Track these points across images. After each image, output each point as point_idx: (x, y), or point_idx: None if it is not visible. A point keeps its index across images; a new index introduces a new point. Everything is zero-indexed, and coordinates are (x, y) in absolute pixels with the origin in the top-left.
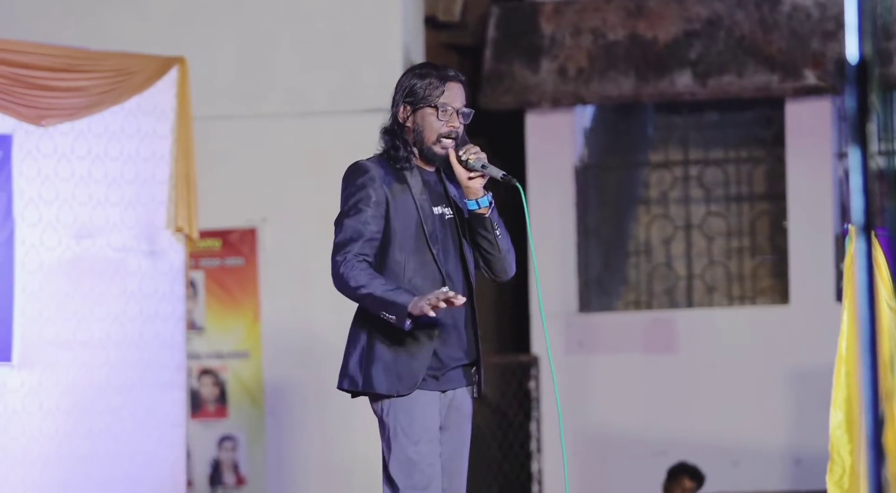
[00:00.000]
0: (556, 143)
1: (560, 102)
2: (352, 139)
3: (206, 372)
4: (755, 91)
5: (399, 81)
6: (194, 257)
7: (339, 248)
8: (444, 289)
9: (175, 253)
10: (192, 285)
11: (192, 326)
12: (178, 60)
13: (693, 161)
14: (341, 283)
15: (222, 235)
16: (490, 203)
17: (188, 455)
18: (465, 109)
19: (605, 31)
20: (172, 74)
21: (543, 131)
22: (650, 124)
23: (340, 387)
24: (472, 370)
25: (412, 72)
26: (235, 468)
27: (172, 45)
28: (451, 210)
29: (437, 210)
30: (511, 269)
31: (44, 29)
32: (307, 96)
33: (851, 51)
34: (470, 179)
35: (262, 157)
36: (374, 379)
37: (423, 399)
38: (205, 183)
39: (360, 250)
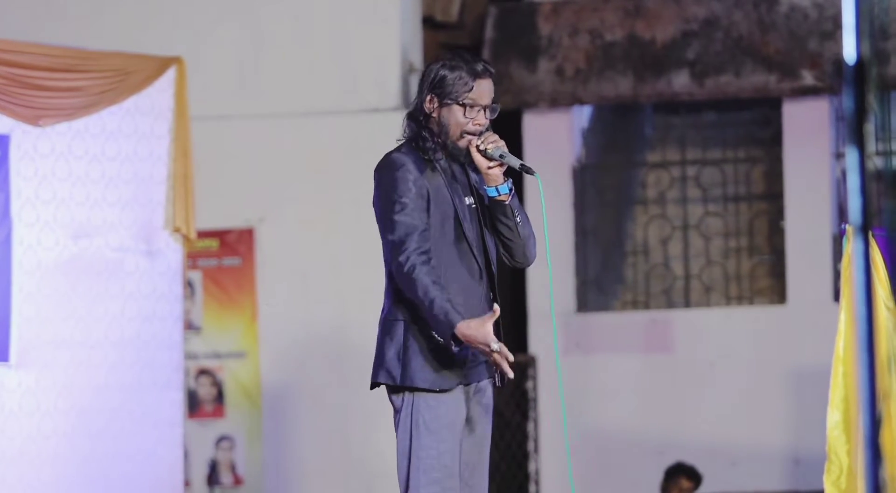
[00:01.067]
0: (553, 143)
1: (558, 102)
2: (350, 139)
3: (203, 372)
4: (753, 91)
5: (428, 69)
6: (192, 257)
7: (398, 247)
8: (498, 347)
9: (172, 253)
10: (189, 285)
11: (190, 326)
12: (175, 60)
13: (690, 161)
14: (410, 286)
15: (220, 235)
16: (510, 190)
17: (185, 455)
18: (493, 105)
19: (602, 31)
20: (170, 74)
21: (541, 131)
22: (648, 124)
23: (376, 379)
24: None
25: (443, 62)
26: (233, 468)
27: (170, 45)
28: (474, 199)
29: (466, 201)
30: (532, 255)
31: (41, 29)
32: (305, 96)
33: (849, 51)
34: (489, 168)
35: (259, 157)
36: (414, 374)
37: (450, 394)
38: (202, 183)
39: (420, 247)
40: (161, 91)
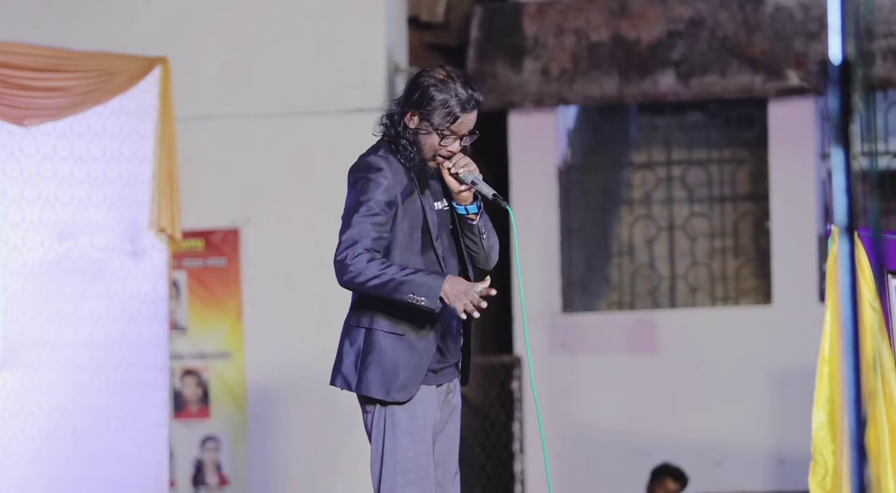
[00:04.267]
0: (539, 143)
1: (543, 102)
2: (335, 140)
3: (188, 372)
4: (738, 92)
5: (419, 79)
6: (177, 258)
7: (345, 245)
8: (485, 284)
9: (158, 253)
10: (174, 285)
11: (175, 326)
12: (160, 60)
13: (676, 162)
14: (350, 278)
15: (205, 235)
16: (479, 209)
17: (171, 456)
18: (472, 133)
19: (588, 31)
20: (155, 74)
21: (526, 132)
22: (633, 125)
23: (333, 383)
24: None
25: (436, 80)
26: (218, 468)
27: (155, 45)
28: (448, 202)
29: (438, 205)
30: (494, 260)
31: (26, 29)
32: (290, 97)
33: (834, 52)
34: (459, 191)
35: (244, 157)
36: (370, 383)
37: (423, 396)
38: (187, 183)
39: (368, 246)
40: (146, 91)
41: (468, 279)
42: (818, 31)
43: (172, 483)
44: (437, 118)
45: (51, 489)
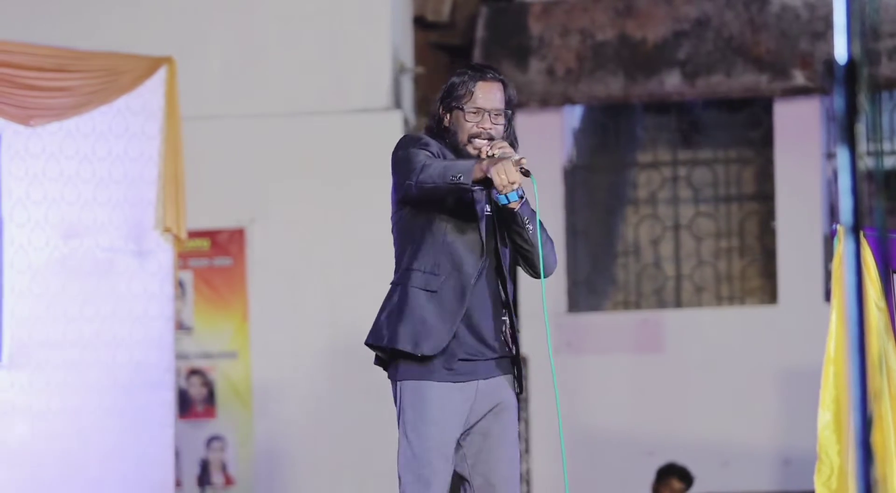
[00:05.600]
0: (544, 143)
1: (549, 102)
2: (341, 139)
3: (194, 372)
4: (744, 91)
5: (445, 83)
6: (182, 258)
7: (412, 170)
8: (517, 157)
9: (163, 253)
10: (180, 285)
11: (181, 326)
12: (166, 60)
13: (682, 161)
14: (421, 191)
15: (211, 235)
16: (520, 197)
17: (176, 455)
18: (500, 108)
19: (593, 31)
20: (161, 74)
21: (532, 131)
22: (639, 125)
23: (367, 342)
24: (508, 364)
25: (454, 72)
26: (224, 468)
27: (161, 45)
28: (490, 208)
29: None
30: (550, 264)
31: (32, 29)
32: (296, 96)
33: (840, 51)
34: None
35: (250, 157)
36: (400, 337)
37: (437, 392)
38: (193, 183)
39: (424, 160)
40: (152, 91)
41: (505, 292)
42: (824, 30)
43: (178, 483)
44: (457, 96)
45: (57, 488)
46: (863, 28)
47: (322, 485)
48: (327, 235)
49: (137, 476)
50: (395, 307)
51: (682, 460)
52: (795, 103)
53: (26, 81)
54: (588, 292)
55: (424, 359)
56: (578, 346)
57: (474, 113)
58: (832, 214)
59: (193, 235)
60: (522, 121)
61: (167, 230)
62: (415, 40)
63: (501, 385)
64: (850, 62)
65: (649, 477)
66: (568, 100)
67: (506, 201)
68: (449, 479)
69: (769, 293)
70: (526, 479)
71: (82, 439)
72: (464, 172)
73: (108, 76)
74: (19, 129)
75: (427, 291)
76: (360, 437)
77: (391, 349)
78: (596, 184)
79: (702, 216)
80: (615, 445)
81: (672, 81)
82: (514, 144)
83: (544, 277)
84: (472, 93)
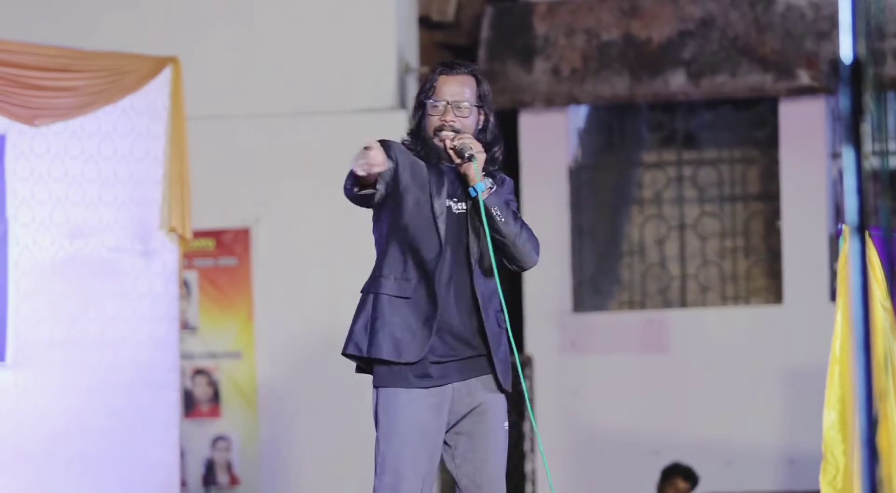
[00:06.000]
0: (549, 143)
1: (554, 101)
2: (346, 139)
3: (199, 372)
4: (749, 91)
5: None
6: (188, 257)
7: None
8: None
9: (168, 253)
10: (185, 285)
11: (186, 326)
12: (171, 60)
13: (687, 161)
14: (346, 194)
15: (216, 235)
16: (488, 188)
17: (182, 455)
18: (467, 101)
19: (598, 31)
20: (166, 74)
21: (537, 131)
22: (644, 124)
23: (345, 353)
24: (486, 363)
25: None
26: (229, 467)
27: (166, 44)
28: (464, 205)
29: (448, 202)
30: (528, 258)
31: (37, 29)
32: (301, 96)
33: (845, 51)
34: (459, 164)
35: (255, 157)
36: (381, 346)
37: (403, 399)
38: (198, 183)
39: None
40: (157, 91)
41: (474, 289)
42: (829, 30)
43: (183, 483)
44: (424, 94)
45: (62, 488)
46: (868, 28)
47: (327, 484)
48: (332, 236)
49: (142, 476)
50: (370, 316)
51: (686, 459)
52: (801, 103)
53: (31, 81)
54: (593, 291)
55: (397, 365)
56: (583, 346)
57: (437, 106)
58: (837, 213)
59: (198, 235)
60: (528, 121)
61: (172, 230)
62: (420, 40)
63: (480, 386)
64: (856, 62)
65: (654, 477)
66: (573, 100)
67: (474, 193)
68: (421, 485)
69: (774, 293)
70: (531, 478)
71: (87, 438)
72: (351, 179)
73: (113, 76)
74: (24, 129)
75: (400, 297)
76: (364, 436)
77: (369, 359)
78: (601, 184)
79: (707, 216)
80: (620, 444)
81: (677, 81)
82: (493, 140)
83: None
84: (434, 87)
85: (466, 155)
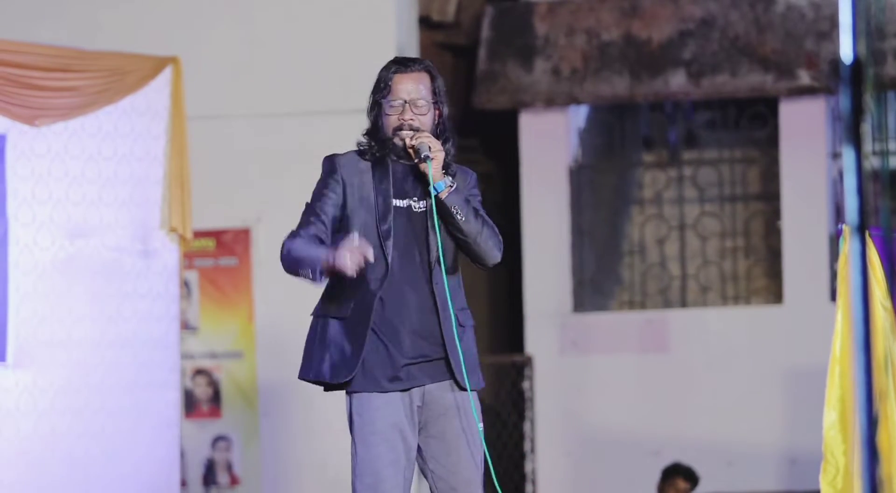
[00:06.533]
0: (550, 143)
1: (554, 101)
2: (346, 139)
3: (200, 372)
4: (749, 91)
5: None
6: (188, 257)
7: (292, 231)
8: (353, 236)
9: (169, 253)
10: (185, 284)
11: (186, 326)
12: (171, 60)
13: (687, 161)
14: (281, 258)
15: (216, 235)
16: (448, 187)
17: (182, 455)
18: (423, 99)
19: (599, 30)
20: (166, 74)
21: (537, 131)
22: (644, 124)
23: (300, 377)
24: (448, 363)
25: (382, 68)
26: (229, 467)
27: (166, 44)
28: (424, 203)
29: (402, 203)
30: (490, 255)
31: (38, 29)
32: (301, 96)
33: (846, 51)
34: (418, 162)
35: (256, 157)
36: (322, 368)
37: (377, 402)
38: (199, 183)
39: (307, 230)
40: (157, 91)
41: (436, 289)
42: (829, 30)
43: (183, 483)
44: (377, 90)
45: (62, 488)
46: (868, 28)
47: (327, 484)
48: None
49: (142, 476)
50: (312, 339)
51: (687, 459)
52: (801, 103)
53: (31, 81)
54: (593, 291)
55: (366, 370)
56: (584, 346)
57: (394, 105)
58: (838, 213)
59: (199, 234)
60: (528, 121)
61: (173, 230)
62: (420, 40)
63: (450, 387)
64: (856, 62)
65: (655, 477)
66: (573, 100)
67: (434, 191)
68: (403, 485)
69: (775, 293)
70: (531, 478)
71: (87, 438)
72: (312, 268)
73: (114, 76)
74: (25, 129)
75: (338, 318)
76: None
77: (316, 381)
78: (601, 184)
79: (707, 216)
80: (620, 445)
81: (677, 81)
82: (448, 137)
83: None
84: (390, 86)
85: (423, 155)
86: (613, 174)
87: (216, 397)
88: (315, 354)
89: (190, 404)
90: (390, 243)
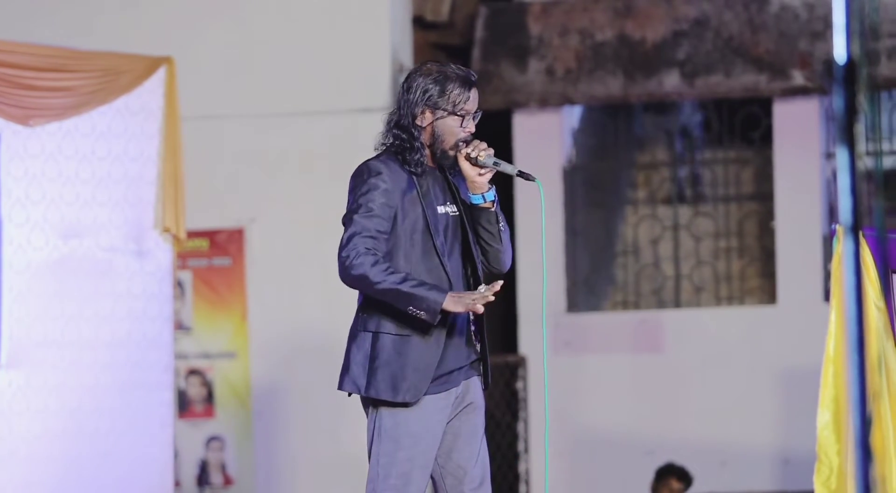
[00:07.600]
0: (543, 143)
1: (548, 102)
2: (340, 139)
3: (193, 372)
4: (743, 91)
5: (414, 81)
6: (182, 257)
7: (346, 243)
8: (482, 289)
9: (162, 253)
10: (179, 285)
11: (180, 326)
12: (165, 60)
13: (681, 162)
14: (352, 278)
15: (210, 235)
16: (495, 197)
17: (175, 455)
18: (478, 112)
19: (592, 31)
20: (160, 74)
21: (531, 132)
22: (638, 125)
23: (341, 387)
24: (479, 364)
25: (430, 75)
26: (223, 468)
27: (160, 44)
28: (457, 207)
29: (443, 209)
30: (508, 262)
31: (32, 29)
32: (295, 96)
33: (839, 51)
34: (480, 175)
35: (249, 157)
36: (379, 386)
37: (422, 405)
38: (192, 183)
39: (370, 246)
40: (151, 91)
41: (474, 284)
42: (823, 30)
43: (177, 483)
44: (449, 103)
45: (56, 488)
46: (862, 28)
47: (321, 485)
48: (326, 236)
49: (136, 476)
50: (368, 356)
51: (681, 459)
52: (795, 103)
53: (25, 81)
54: (587, 292)
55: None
56: (577, 346)
57: (465, 118)
58: (831, 214)
59: (192, 235)
60: (522, 121)
61: (166, 230)
62: (414, 40)
63: (473, 385)
64: (850, 62)
65: (648, 477)
66: (567, 100)
67: (481, 201)
68: (423, 490)
69: (768, 293)
70: (525, 479)
71: (81, 439)
72: (428, 311)
73: (108, 76)
74: (18, 129)
75: (400, 336)
76: (358, 437)
77: (367, 397)
78: (595, 184)
79: (701, 216)
80: (614, 445)
81: (671, 81)
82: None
83: (498, 273)
84: (467, 99)
85: (492, 163)
86: (607, 175)
87: (210, 398)
88: (371, 371)
89: (183, 405)
90: (446, 257)
